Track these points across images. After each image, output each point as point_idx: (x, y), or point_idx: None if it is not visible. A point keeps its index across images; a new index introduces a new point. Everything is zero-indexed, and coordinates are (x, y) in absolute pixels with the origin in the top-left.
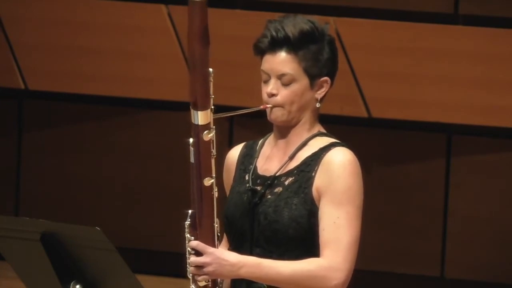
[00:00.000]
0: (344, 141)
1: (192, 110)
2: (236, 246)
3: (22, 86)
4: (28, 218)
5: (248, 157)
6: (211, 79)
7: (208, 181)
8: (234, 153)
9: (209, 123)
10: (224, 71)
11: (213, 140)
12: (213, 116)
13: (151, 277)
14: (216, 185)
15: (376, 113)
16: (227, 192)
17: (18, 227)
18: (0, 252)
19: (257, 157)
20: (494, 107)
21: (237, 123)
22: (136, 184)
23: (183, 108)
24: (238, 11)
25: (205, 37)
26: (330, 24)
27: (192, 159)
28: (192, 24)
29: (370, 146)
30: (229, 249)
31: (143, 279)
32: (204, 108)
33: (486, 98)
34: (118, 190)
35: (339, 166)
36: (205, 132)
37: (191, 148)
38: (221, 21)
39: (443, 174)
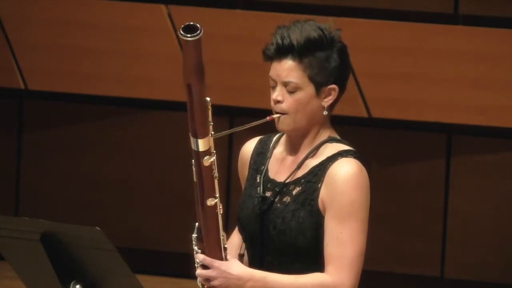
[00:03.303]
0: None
1: (191, 138)
2: (249, 250)
3: (22, 86)
4: (28, 218)
5: (261, 155)
6: (209, 107)
7: (211, 201)
8: (249, 147)
9: (209, 149)
10: (224, 71)
11: (214, 163)
12: (214, 136)
13: (151, 277)
14: (220, 203)
15: (376, 113)
16: (242, 185)
17: (18, 227)
18: (0, 252)
19: (269, 158)
20: (494, 107)
21: (237, 124)
22: (136, 184)
23: (183, 108)
24: (238, 11)
25: (200, 73)
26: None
27: (195, 179)
28: (187, 62)
29: (370, 146)
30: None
31: (143, 279)
32: (203, 135)
33: (486, 98)
34: (118, 190)
35: (343, 180)
36: (206, 157)
37: (194, 168)
38: (221, 21)
39: (443, 174)
